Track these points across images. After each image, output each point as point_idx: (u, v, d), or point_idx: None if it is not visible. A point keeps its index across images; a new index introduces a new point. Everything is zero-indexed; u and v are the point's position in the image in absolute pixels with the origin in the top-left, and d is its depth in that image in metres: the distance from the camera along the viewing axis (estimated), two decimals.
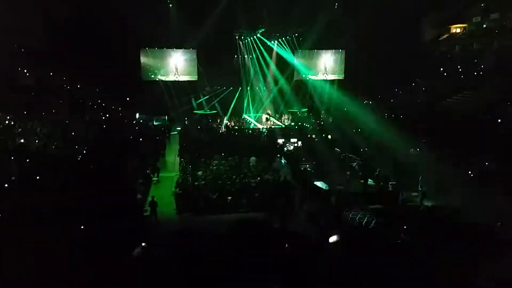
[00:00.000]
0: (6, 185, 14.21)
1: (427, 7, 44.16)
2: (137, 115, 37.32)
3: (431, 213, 16.54)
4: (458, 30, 45.48)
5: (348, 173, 21.29)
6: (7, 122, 20.70)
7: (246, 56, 44.27)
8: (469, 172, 20.30)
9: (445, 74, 40.36)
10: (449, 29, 46.32)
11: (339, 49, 45.24)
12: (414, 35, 45.22)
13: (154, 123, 36.12)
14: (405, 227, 12.13)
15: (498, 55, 37.03)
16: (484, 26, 41.14)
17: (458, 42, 43.85)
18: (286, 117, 42.12)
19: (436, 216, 15.64)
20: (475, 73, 37.26)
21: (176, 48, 42.02)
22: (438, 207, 17.42)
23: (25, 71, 31.44)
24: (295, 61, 45.45)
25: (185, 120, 37.83)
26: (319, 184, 20.51)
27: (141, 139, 27.66)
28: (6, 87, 25.63)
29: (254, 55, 43.63)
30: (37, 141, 19.72)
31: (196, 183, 19.78)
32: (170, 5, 39.61)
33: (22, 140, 19.17)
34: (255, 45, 43.23)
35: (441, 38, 46.43)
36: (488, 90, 33.35)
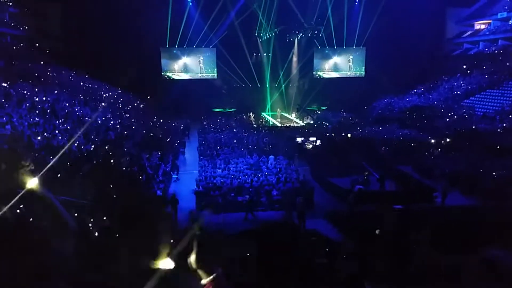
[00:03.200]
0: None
1: (450, 3, 43.31)
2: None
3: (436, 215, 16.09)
4: (483, 27, 44.39)
5: (366, 173, 21.07)
6: (31, 120, 21.19)
7: (265, 54, 44.24)
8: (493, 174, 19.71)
9: (468, 71, 39.45)
10: (473, 25, 45.29)
11: (360, 46, 44.71)
12: (437, 32, 44.40)
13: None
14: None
15: None
16: (510, 22, 40.00)
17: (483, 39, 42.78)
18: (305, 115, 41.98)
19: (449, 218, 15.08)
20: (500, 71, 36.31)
21: (195, 47, 42.32)
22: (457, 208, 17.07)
23: (48, 71, 32.11)
24: (315, 58, 45.17)
25: (204, 118, 38.02)
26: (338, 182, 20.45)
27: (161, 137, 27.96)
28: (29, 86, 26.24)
29: (273, 53, 43.55)
30: (60, 137, 20.17)
31: (215, 181, 19.90)
32: (190, 4, 39.92)
33: (45, 134, 19.63)
34: (274, 43, 43.14)
35: (465, 35, 45.44)
36: None
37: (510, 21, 39.90)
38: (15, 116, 20.49)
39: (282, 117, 41.21)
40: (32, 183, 7.88)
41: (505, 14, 40.00)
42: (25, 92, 24.72)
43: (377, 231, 9.98)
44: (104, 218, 9.73)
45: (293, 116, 40.97)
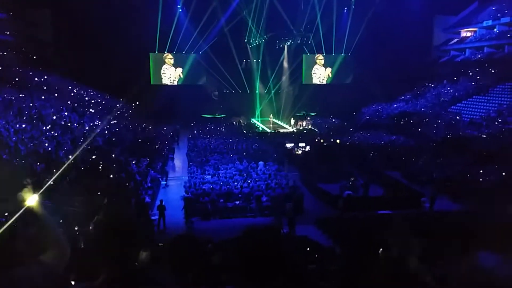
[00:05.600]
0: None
1: (437, 11, 43.95)
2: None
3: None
4: (469, 34, 45.08)
5: (352, 178, 21.14)
6: (18, 126, 20.92)
7: (254, 60, 44.32)
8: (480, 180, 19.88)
9: (455, 78, 39.97)
10: (460, 33, 45.96)
11: (349, 53, 45.01)
12: (424, 40, 44.95)
13: None
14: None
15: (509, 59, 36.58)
16: (495, 29, 40.69)
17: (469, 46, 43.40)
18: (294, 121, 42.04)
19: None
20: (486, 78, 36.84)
21: (185, 53, 42.25)
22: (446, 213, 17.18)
23: (36, 77, 31.73)
24: (304, 65, 45.39)
25: (193, 124, 37.87)
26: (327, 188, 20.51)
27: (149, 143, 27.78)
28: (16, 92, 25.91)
29: (262, 59, 43.61)
30: (46, 144, 19.92)
31: (204, 187, 19.78)
32: (180, 10, 39.89)
33: (31, 144, 19.35)
34: (264, 50, 43.22)
35: (452, 42, 46.08)
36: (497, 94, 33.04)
37: (495, 29, 40.59)
38: (1, 122, 20.20)
39: (273, 123, 41.18)
40: (32, 201, 7.68)
41: (490, 22, 40.70)
42: (12, 98, 24.42)
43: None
44: (90, 227, 9.58)
45: (291, 122, 40.85)
